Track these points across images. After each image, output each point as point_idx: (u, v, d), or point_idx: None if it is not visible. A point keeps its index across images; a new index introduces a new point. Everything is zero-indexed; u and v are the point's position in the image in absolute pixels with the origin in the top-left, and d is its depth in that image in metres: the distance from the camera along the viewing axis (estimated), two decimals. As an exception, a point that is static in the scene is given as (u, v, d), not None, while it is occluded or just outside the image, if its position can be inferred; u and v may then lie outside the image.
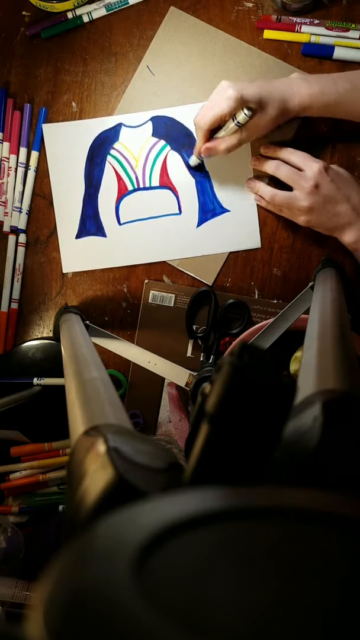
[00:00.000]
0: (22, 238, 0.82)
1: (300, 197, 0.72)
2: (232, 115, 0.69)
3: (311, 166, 0.71)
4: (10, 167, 0.81)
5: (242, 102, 0.68)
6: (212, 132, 0.73)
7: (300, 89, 0.70)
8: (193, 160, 0.79)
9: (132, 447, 0.32)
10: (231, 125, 0.70)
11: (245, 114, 0.68)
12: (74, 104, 0.82)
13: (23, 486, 0.77)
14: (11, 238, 0.82)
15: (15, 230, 0.82)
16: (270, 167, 0.75)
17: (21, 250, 0.82)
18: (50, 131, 0.82)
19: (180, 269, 0.81)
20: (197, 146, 0.76)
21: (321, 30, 0.79)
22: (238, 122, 0.69)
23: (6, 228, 0.82)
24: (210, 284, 0.81)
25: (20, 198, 0.82)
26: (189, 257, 0.81)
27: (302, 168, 0.72)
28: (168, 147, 0.81)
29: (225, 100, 0.68)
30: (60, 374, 0.58)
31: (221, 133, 0.72)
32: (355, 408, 0.35)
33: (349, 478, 0.30)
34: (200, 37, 0.81)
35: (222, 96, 0.68)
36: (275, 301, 0.81)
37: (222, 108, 0.68)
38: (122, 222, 0.81)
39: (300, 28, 0.79)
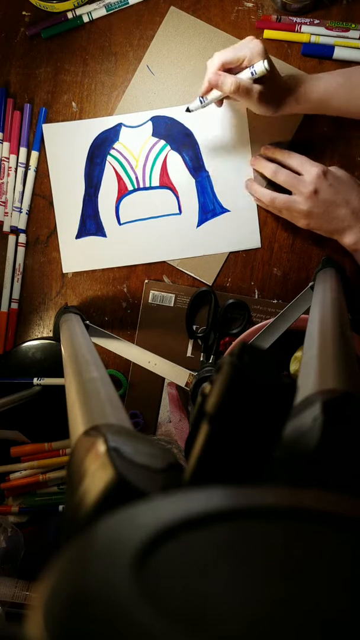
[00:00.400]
0: (22, 238, 0.82)
1: (299, 201, 0.72)
2: (251, 63, 0.68)
3: (310, 170, 0.71)
4: (10, 167, 0.81)
5: (262, 53, 0.67)
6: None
7: (297, 81, 0.71)
8: (193, 104, 0.73)
9: (132, 447, 0.32)
10: (247, 73, 0.68)
11: (265, 66, 0.67)
12: (74, 104, 0.82)
13: (23, 486, 0.77)
14: (11, 238, 0.82)
15: (15, 230, 0.82)
16: (268, 171, 0.75)
17: (21, 250, 0.82)
18: (51, 131, 0.82)
19: (180, 269, 0.81)
20: (203, 84, 0.71)
21: (321, 30, 0.79)
22: (254, 71, 0.68)
23: (6, 228, 0.82)
24: (211, 284, 0.81)
25: (20, 198, 0.82)
26: (189, 257, 0.81)
27: (300, 172, 0.72)
28: (168, 147, 0.81)
29: (249, 47, 0.68)
30: (60, 374, 0.58)
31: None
32: (355, 408, 0.35)
33: (349, 478, 0.30)
34: (201, 37, 0.81)
35: (248, 44, 0.68)
36: (275, 301, 0.81)
37: (244, 52, 0.68)
38: (122, 222, 0.81)
39: (300, 28, 0.79)
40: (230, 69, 0.70)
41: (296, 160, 0.73)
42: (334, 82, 0.71)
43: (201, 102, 0.73)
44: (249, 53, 0.67)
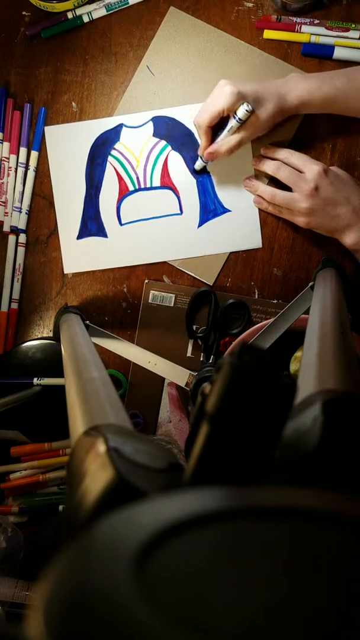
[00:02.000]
0: (22, 238, 0.82)
1: (300, 198, 0.72)
2: (231, 111, 0.70)
3: (311, 168, 0.71)
4: (10, 167, 0.81)
5: (239, 97, 0.69)
6: (213, 132, 0.73)
7: (297, 84, 0.71)
8: (198, 164, 0.79)
9: (132, 447, 0.32)
10: (232, 123, 0.70)
11: (246, 109, 0.68)
12: (74, 104, 0.82)
13: (23, 486, 0.77)
14: (11, 238, 0.82)
15: (15, 230, 0.82)
16: (270, 168, 0.75)
17: (21, 250, 0.82)
18: (52, 133, 0.82)
19: (181, 268, 0.81)
20: (200, 148, 0.76)
21: (321, 30, 0.79)
22: (239, 119, 0.69)
23: (6, 228, 0.82)
24: (211, 284, 0.81)
25: (20, 198, 0.82)
26: (190, 257, 0.81)
27: (302, 170, 0.72)
28: (169, 147, 0.81)
29: (223, 95, 0.69)
30: (60, 374, 0.58)
31: (223, 134, 0.72)
32: (355, 408, 0.35)
33: (350, 478, 0.30)
34: (200, 37, 0.81)
35: (220, 92, 0.69)
36: (275, 301, 0.81)
37: (220, 103, 0.69)
38: (123, 222, 0.81)
39: (300, 28, 0.79)
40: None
41: (298, 158, 0.73)
42: (332, 80, 0.71)
43: (204, 162, 0.79)
44: (225, 103, 0.69)
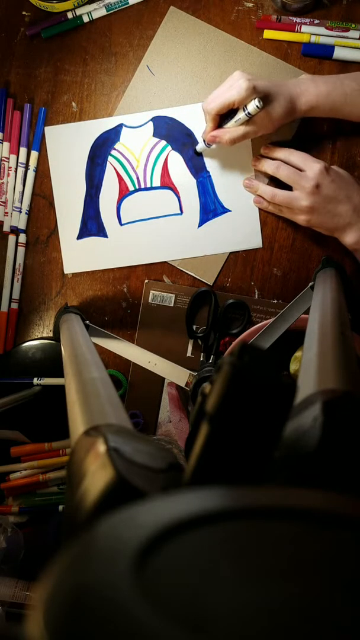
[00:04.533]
0: (22, 238, 0.82)
1: (301, 197, 0.72)
2: (242, 104, 0.69)
3: (312, 166, 0.71)
4: (10, 167, 0.81)
5: (252, 92, 0.68)
6: (220, 118, 0.73)
7: (307, 88, 0.71)
8: (199, 147, 0.79)
9: (132, 447, 0.32)
10: (241, 115, 0.70)
11: (256, 105, 0.68)
12: (74, 104, 0.82)
13: (23, 486, 0.77)
14: (11, 238, 0.82)
15: (15, 230, 0.82)
16: (270, 167, 0.75)
17: (21, 250, 0.82)
18: (52, 133, 0.82)
19: (181, 268, 0.81)
20: (205, 131, 0.76)
21: (321, 30, 0.79)
22: (248, 113, 0.69)
23: (6, 228, 0.82)
24: (211, 284, 0.81)
25: (20, 198, 0.82)
26: (190, 257, 0.81)
27: (302, 168, 0.72)
28: (169, 148, 0.81)
29: (237, 88, 0.68)
30: (60, 374, 0.58)
31: (230, 123, 0.72)
32: (355, 408, 0.35)
33: (350, 478, 0.30)
34: (200, 37, 0.81)
35: (234, 84, 0.69)
36: (275, 301, 0.81)
37: (232, 95, 0.69)
38: (123, 222, 0.81)
39: (300, 28, 0.79)
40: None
41: (298, 157, 0.73)
42: (342, 85, 0.71)
43: (206, 145, 0.78)
44: (237, 96, 0.68)
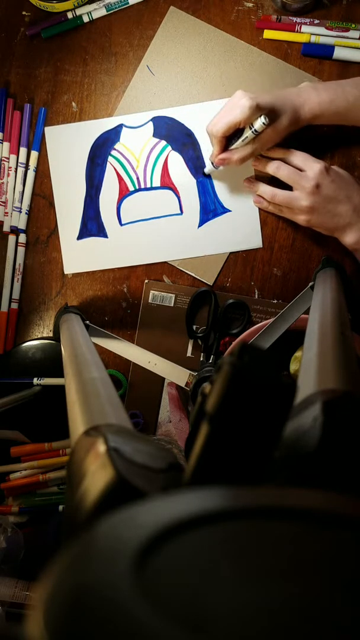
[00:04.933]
0: (22, 238, 0.82)
1: (301, 197, 0.72)
2: (247, 123, 0.69)
3: (312, 166, 0.71)
4: (10, 167, 0.81)
5: (256, 110, 0.68)
6: (226, 140, 0.73)
7: (310, 97, 0.71)
8: (208, 169, 0.79)
9: (132, 447, 0.32)
10: (248, 134, 0.70)
11: (263, 122, 0.68)
12: (74, 104, 0.82)
13: (23, 486, 0.77)
14: (11, 238, 0.82)
15: (15, 230, 0.82)
16: (271, 167, 0.75)
17: (21, 250, 0.82)
18: (52, 133, 0.82)
19: (181, 268, 0.81)
20: (212, 154, 0.76)
21: (321, 30, 0.79)
22: (255, 130, 0.69)
23: (6, 228, 0.82)
24: (211, 284, 0.81)
25: (20, 198, 0.82)
26: (190, 257, 0.81)
27: (302, 168, 0.72)
28: (169, 148, 0.81)
29: (240, 108, 0.68)
30: (60, 374, 0.58)
31: (237, 143, 0.72)
32: (355, 408, 0.35)
33: (350, 478, 0.30)
34: (200, 37, 0.81)
35: (237, 104, 0.69)
36: (275, 301, 0.80)
37: (236, 116, 0.69)
38: (123, 222, 0.81)
39: (300, 28, 0.79)
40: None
41: (298, 157, 0.73)
42: (344, 92, 0.71)
43: (214, 167, 0.78)
44: (242, 116, 0.68)
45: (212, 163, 0.77)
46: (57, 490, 0.79)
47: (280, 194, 0.74)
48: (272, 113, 0.69)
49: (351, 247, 0.74)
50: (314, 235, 0.78)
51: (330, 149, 0.80)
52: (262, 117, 0.68)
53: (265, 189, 0.76)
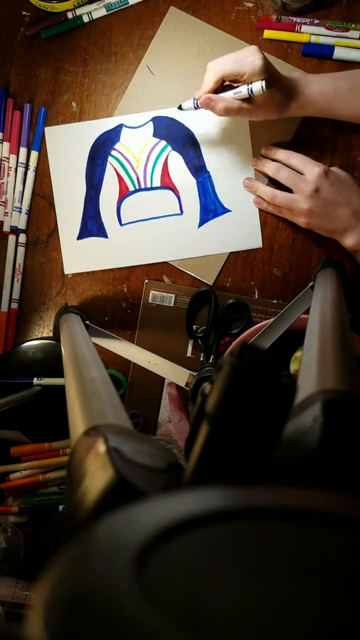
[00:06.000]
0: (22, 238, 0.82)
1: (300, 200, 0.72)
2: (249, 80, 0.67)
3: (312, 170, 0.71)
4: (10, 167, 0.81)
5: (263, 72, 0.67)
6: (221, 85, 0.70)
7: (300, 85, 0.71)
8: (187, 104, 0.73)
9: (132, 447, 0.32)
10: (243, 90, 0.68)
11: (262, 86, 0.66)
12: (74, 104, 0.82)
13: (23, 486, 0.77)
14: (11, 238, 0.82)
15: (15, 230, 0.82)
16: (270, 169, 0.75)
17: (21, 250, 0.82)
18: (52, 133, 0.82)
19: (181, 268, 0.81)
20: (200, 90, 0.71)
21: (321, 30, 0.79)
22: (251, 90, 0.67)
23: (6, 228, 0.82)
24: (211, 284, 0.81)
25: (20, 198, 0.82)
26: (190, 257, 0.81)
27: (302, 171, 0.72)
28: (169, 148, 0.81)
29: (252, 63, 0.67)
30: (60, 374, 0.58)
31: (228, 93, 0.69)
32: (355, 408, 0.35)
33: (350, 478, 0.30)
34: (200, 37, 0.81)
35: (250, 57, 0.67)
36: (275, 301, 0.80)
37: (244, 67, 0.67)
38: (123, 222, 0.81)
39: (300, 28, 0.79)
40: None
41: (298, 159, 0.73)
42: (335, 85, 0.71)
43: (195, 106, 0.73)
44: (249, 69, 0.67)
45: (195, 101, 0.72)
46: (57, 490, 0.79)
47: (280, 195, 0.74)
48: (272, 84, 0.68)
49: (351, 249, 0.74)
50: (314, 235, 0.78)
51: (331, 149, 0.80)
52: (264, 82, 0.66)
53: (265, 190, 0.76)
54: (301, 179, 0.71)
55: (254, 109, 0.70)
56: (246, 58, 0.67)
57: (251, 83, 0.68)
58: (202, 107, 0.72)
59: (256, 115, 0.71)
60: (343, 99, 0.71)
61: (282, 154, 0.75)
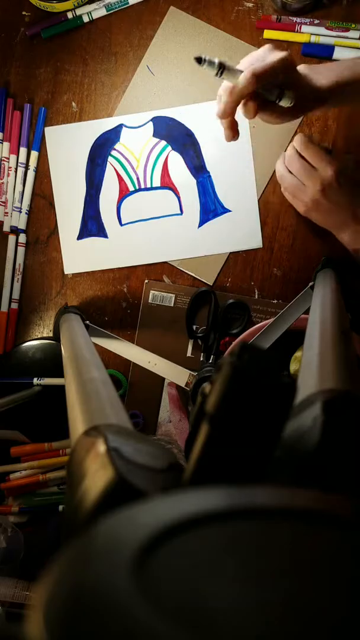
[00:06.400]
0: (22, 238, 0.82)
1: (306, 192, 0.72)
2: (282, 83, 0.59)
3: (324, 168, 0.70)
4: (10, 167, 0.81)
5: (292, 65, 0.60)
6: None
7: (309, 82, 0.63)
8: (209, 64, 0.55)
9: (132, 447, 0.32)
10: (272, 95, 0.60)
11: (291, 103, 0.60)
12: (74, 104, 0.82)
13: (23, 486, 0.77)
14: (11, 238, 0.82)
15: (15, 230, 0.82)
16: (288, 155, 0.73)
17: (21, 250, 0.82)
18: (52, 133, 0.82)
19: (181, 268, 0.81)
20: (240, 74, 0.57)
21: (321, 30, 0.79)
22: (280, 100, 0.60)
23: (6, 228, 0.82)
24: (211, 284, 0.81)
25: (20, 198, 0.82)
26: (190, 257, 0.81)
27: (315, 167, 0.71)
28: (169, 148, 0.81)
29: (285, 73, 0.59)
30: (60, 374, 0.58)
31: (273, 96, 0.60)
32: (355, 408, 0.35)
33: (349, 478, 0.30)
34: (200, 37, 0.81)
35: (282, 65, 0.58)
36: (275, 301, 0.80)
37: (279, 77, 0.58)
38: (123, 222, 0.81)
39: (300, 28, 0.79)
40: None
41: (313, 153, 0.71)
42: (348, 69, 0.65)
43: (218, 73, 0.56)
44: (282, 78, 0.59)
45: (219, 70, 0.56)
46: (57, 490, 0.79)
47: (288, 178, 0.73)
48: (296, 88, 0.60)
49: (349, 246, 0.74)
50: (314, 235, 0.78)
51: (346, 145, 0.80)
52: (290, 93, 0.59)
53: (279, 167, 0.75)
54: (311, 175, 0.71)
55: (281, 114, 0.63)
56: (280, 65, 0.58)
57: (282, 95, 0.60)
58: (222, 77, 0.57)
59: (282, 119, 0.64)
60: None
61: (299, 144, 0.73)
